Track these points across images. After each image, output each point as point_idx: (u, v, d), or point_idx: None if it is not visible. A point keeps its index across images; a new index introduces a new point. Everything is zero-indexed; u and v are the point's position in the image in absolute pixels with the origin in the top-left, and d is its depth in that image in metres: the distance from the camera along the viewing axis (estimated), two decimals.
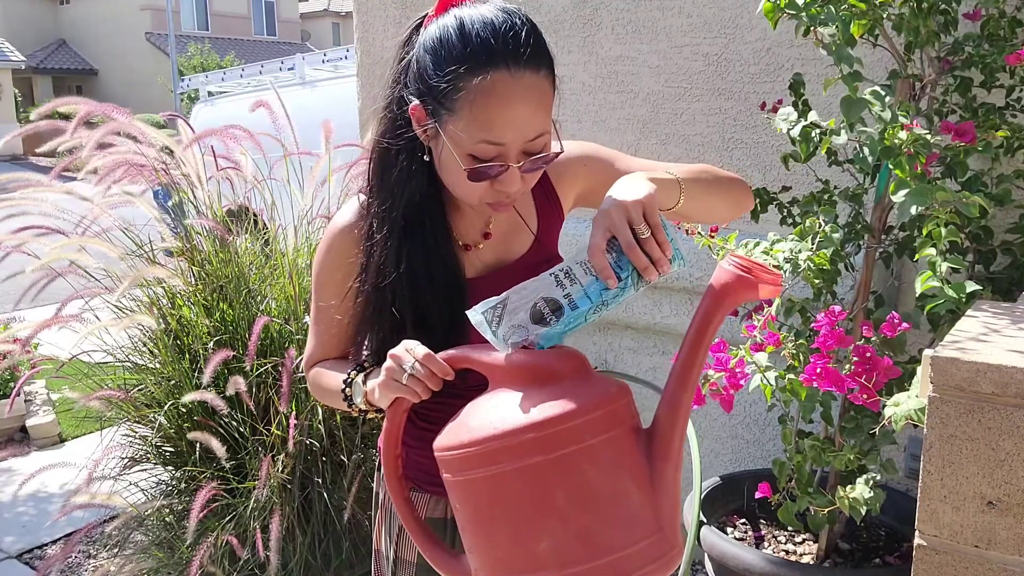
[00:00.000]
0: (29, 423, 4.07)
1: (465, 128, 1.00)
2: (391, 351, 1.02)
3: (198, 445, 2.25)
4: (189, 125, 2.61)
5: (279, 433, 2.25)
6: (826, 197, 1.85)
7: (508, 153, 1.02)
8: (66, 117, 2.33)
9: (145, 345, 2.50)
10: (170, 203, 2.57)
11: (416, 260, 1.11)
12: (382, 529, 1.35)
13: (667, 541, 0.90)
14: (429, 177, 1.11)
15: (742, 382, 1.52)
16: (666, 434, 0.91)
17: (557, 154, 1.07)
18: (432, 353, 1.00)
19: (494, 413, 0.91)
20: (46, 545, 3.05)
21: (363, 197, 1.18)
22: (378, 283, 1.12)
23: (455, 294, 1.13)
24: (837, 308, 1.47)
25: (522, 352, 0.94)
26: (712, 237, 1.88)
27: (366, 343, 1.19)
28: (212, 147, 2.54)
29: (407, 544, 1.30)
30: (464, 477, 0.91)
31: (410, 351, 1.00)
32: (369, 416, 1.16)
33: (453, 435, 0.93)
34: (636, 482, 0.90)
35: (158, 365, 2.47)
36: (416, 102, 1.06)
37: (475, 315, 0.95)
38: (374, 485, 1.41)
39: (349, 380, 1.14)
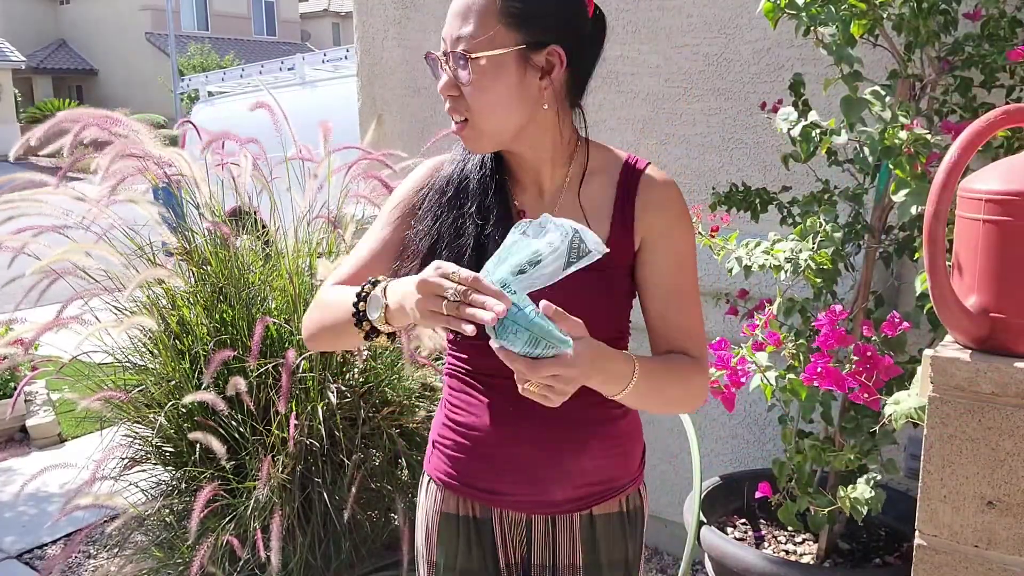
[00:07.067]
0: (29, 423, 4.08)
1: None
2: (424, 276, 0.94)
3: (198, 445, 2.25)
4: (198, 132, 2.60)
5: (279, 433, 2.25)
6: (826, 197, 1.85)
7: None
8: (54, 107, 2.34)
9: (145, 346, 2.50)
10: (171, 202, 2.56)
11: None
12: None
13: None
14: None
15: (743, 380, 1.53)
16: None
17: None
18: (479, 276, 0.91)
19: None
20: (46, 545, 3.05)
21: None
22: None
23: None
24: (838, 307, 1.47)
25: None
26: (712, 237, 1.88)
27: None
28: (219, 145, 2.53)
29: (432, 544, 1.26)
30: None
31: (453, 275, 0.91)
32: (379, 344, 1.07)
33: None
34: None
35: (158, 366, 2.47)
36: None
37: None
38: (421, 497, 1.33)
39: (363, 294, 1.05)
